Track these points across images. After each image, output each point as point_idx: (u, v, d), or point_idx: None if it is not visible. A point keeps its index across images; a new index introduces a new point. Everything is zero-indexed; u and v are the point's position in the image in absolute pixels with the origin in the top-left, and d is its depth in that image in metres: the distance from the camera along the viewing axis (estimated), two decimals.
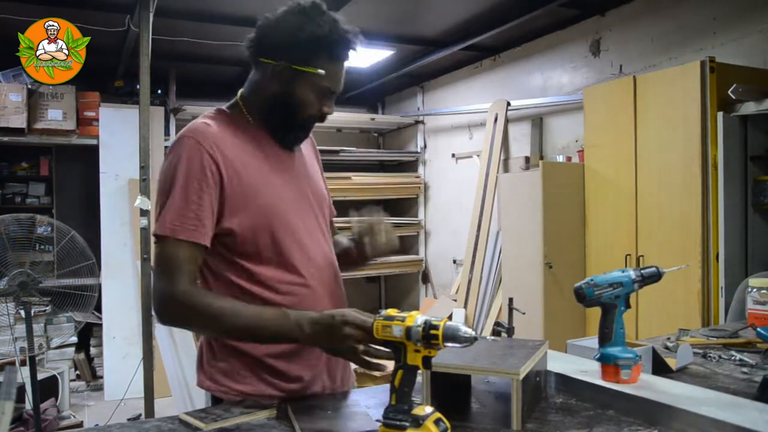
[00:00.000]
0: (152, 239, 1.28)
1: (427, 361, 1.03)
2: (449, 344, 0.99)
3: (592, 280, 1.34)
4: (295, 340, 1.21)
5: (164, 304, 1.24)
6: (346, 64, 1.36)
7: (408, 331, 1.01)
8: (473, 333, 0.99)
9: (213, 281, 1.33)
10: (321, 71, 1.29)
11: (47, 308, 3.90)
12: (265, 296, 1.31)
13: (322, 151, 1.63)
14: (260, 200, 1.31)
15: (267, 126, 1.39)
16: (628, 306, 1.34)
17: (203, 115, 1.37)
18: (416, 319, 1.01)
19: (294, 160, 1.43)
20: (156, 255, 1.25)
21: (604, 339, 1.33)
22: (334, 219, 1.61)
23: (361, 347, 1.14)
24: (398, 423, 1.00)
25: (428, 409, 1.02)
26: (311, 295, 1.36)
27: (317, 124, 1.42)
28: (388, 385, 1.06)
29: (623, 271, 1.34)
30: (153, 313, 1.29)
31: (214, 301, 1.24)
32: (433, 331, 0.99)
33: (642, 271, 1.33)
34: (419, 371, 1.04)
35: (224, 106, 1.41)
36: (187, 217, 1.23)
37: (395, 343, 1.03)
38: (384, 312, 1.06)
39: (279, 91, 1.33)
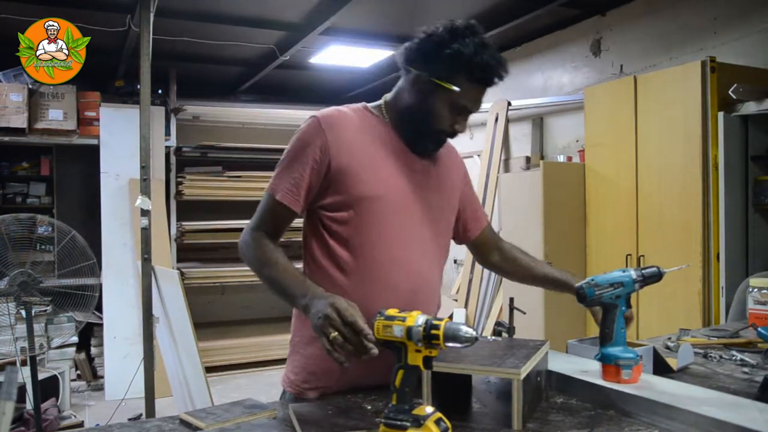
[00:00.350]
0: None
1: (427, 362, 1.03)
2: (450, 344, 0.99)
3: (592, 279, 1.33)
4: (294, 303, 1.29)
5: (242, 237, 1.43)
6: (489, 88, 1.39)
7: (409, 331, 1.01)
8: (474, 333, 0.98)
9: (305, 249, 1.45)
10: (456, 89, 1.33)
11: (48, 308, 3.90)
12: (333, 274, 1.38)
13: None
14: (362, 188, 1.37)
15: (400, 130, 1.44)
16: (629, 306, 1.34)
17: (345, 106, 1.47)
18: (417, 319, 1.01)
19: (423, 168, 1.45)
20: (261, 202, 1.43)
21: (605, 339, 1.33)
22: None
23: (333, 333, 1.12)
24: (399, 423, 1.00)
25: (429, 409, 1.02)
26: (366, 291, 1.35)
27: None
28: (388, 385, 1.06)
29: (624, 271, 1.33)
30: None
31: (268, 250, 1.37)
32: (434, 331, 0.99)
33: (643, 271, 1.32)
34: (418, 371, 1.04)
35: (370, 104, 1.49)
36: (287, 183, 1.37)
37: (396, 343, 1.03)
38: (385, 312, 1.05)
39: (416, 101, 1.38)
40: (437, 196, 1.48)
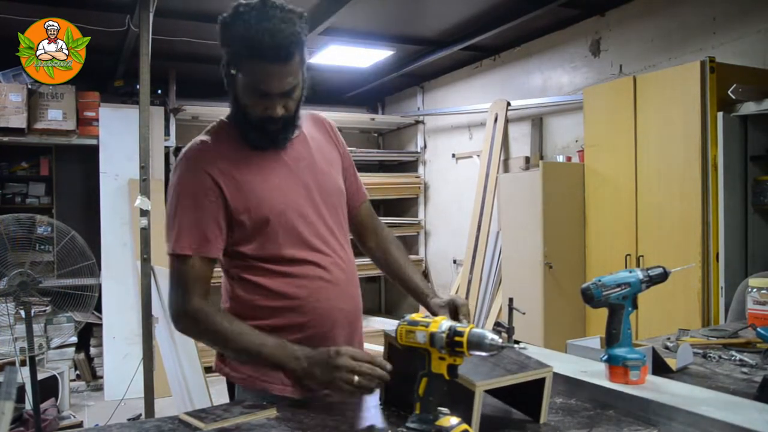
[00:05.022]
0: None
1: (452, 370, 0.99)
2: (475, 352, 0.95)
3: (599, 280, 1.32)
4: (292, 370, 1.27)
5: (176, 318, 1.33)
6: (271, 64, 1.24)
7: (432, 337, 0.98)
8: (500, 341, 0.94)
9: (238, 285, 1.38)
10: (233, 71, 1.27)
11: (47, 308, 3.89)
12: (284, 290, 1.35)
13: None
14: (258, 204, 1.33)
15: (238, 129, 1.37)
16: (635, 306, 1.34)
17: (204, 131, 1.41)
18: (441, 324, 0.98)
19: (284, 158, 1.39)
20: (170, 271, 1.33)
21: (612, 340, 1.33)
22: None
23: (356, 378, 1.16)
24: None
25: (454, 420, 0.97)
26: (325, 288, 1.38)
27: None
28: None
29: (631, 272, 1.33)
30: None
31: (221, 321, 1.29)
32: (457, 338, 0.96)
33: (649, 271, 1.32)
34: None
35: (225, 116, 1.42)
36: (191, 233, 1.30)
37: (420, 350, 1.00)
38: (408, 317, 1.03)
39: (230, 95, 1.34)
40: (318, 176, 1.42)
